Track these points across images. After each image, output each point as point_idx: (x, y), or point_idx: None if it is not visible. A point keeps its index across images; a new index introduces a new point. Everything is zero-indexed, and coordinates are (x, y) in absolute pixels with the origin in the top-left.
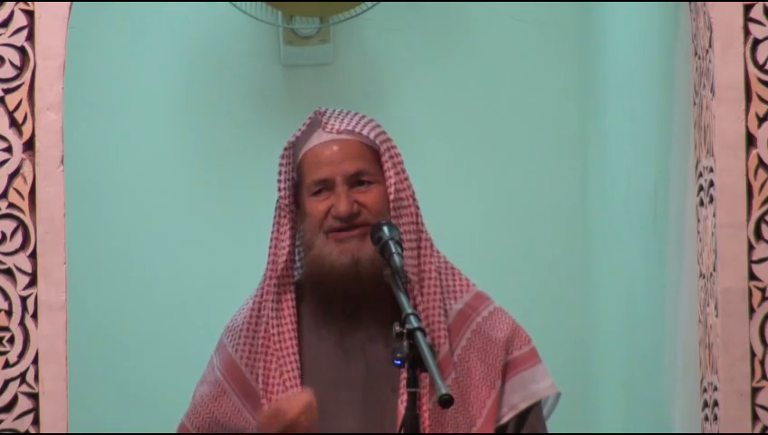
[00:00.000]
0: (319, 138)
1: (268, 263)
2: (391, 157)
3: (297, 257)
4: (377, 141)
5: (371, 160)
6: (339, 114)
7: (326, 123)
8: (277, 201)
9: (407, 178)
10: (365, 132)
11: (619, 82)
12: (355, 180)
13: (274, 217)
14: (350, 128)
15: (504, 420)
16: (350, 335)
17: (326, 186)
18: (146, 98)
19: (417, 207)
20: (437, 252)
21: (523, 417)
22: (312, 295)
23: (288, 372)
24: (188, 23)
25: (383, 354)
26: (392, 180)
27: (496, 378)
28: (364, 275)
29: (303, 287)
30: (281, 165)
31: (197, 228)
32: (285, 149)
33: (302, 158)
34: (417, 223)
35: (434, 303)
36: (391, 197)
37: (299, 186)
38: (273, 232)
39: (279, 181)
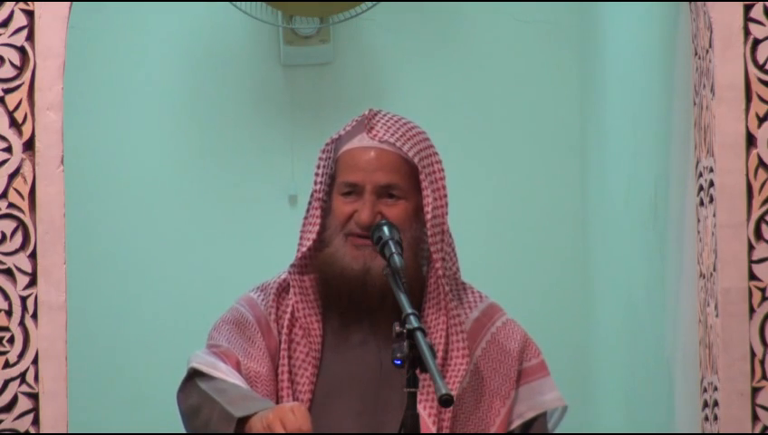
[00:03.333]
0: (361, 141)
1: (297, 248)
2: (429, 175)
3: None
4: (415, 159)
5: (406, 176)
6: (388, 121)
7: (372, 128)
8: (312, 193)
9: (444, 196)
10: (405, 148)
11: (619, 82)
12: (384, 192)
13: (307, 207)
14: (392, 140)
15: (511, 427)
16: (362, 329)
17: (355, 190)
18: (146, 98)
19: (447, 223)
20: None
21: (527, 426)
22: (328, 294)
23: (312, 345)
24: (188, 23)
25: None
26: (429, 199)
27: (511, 388)
28: (371, 285)
29: (323, 289)
30: (320, 159)
31: (197, 228)
32: (327, 144)
33: (340, 155)
34: (451, 236)
35: (458, 327)
36: (428, 216)
37: (333, 180)
38: (303, 222)
39: (316, 175)
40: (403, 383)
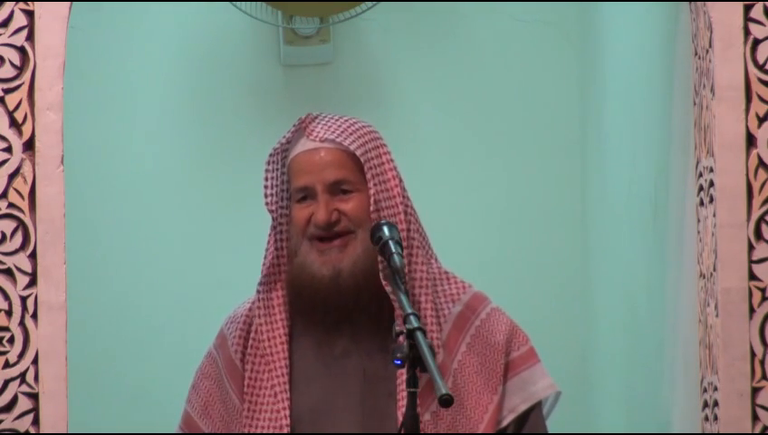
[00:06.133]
0: (303, 145)
1: (263, 270)
2: (372, 168)
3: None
4: (357, 152)
5: (353, 169)
6: (326, 121)
7: (311, 131)
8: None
9: (396, 185)
10: (346, 142)
11: (619, 82)
12: (336, 189)
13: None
14: (332, 137)
15: (505, 422)
16: (342, 339)
17: (308, 193)
18: (146, 98)
19: (408, 213)
20: (434, 259)
21: (523, 418)
22: (303, 307)
23: (277, 377)
24: (188, 22)
25: (379, 360)
26: (372, 192)
27: (498, 383)
28: (344, 287)
29: (297, 301)
30: (266, 171)
31: (197, 228)
32: (271, 155)
33: (289, 163)
34: (408, 229)
35: (425, 312)
36: (372, 208)
37: (289, 190)
38: (268, 240)
39: (265, 187)
40: (389, 390)
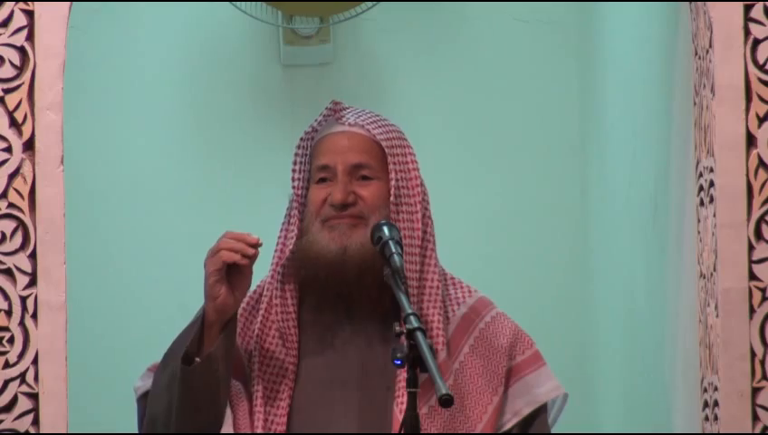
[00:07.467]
0: (331, 128)
1: (275, 253)
2: (395, 157)
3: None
4: (383, 143)
5: (378, 158)
6: (357, 110)
7: (341, 116)
8: (291, 196)
9: (417, 185)
10: (374, 131)
11: (619, 81)
12: (357, 172)
13: (287, 208)
14: (361, 122)
15: (508, 425)
16: (343, 330)
17: (328, 174)
18: (146, 98)
19: (426, 215)
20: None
21: (528, 422)
22: (307, 291)
23: (289, 342)
24: (188, 23)
25: (379, 352)
26: (393, 182)
27: (498, 385)
28: (350, 263)
29: (302, 285)
30: (296, 155)
31: (197, 228)
32: (302, 139)
33: (315, 145)
34: (424, 230)
35: (434, 310)
36: (391, 198)
37: (311, 172)
38: (283, 223)
39: (293, 171)
40: (387, 384)
